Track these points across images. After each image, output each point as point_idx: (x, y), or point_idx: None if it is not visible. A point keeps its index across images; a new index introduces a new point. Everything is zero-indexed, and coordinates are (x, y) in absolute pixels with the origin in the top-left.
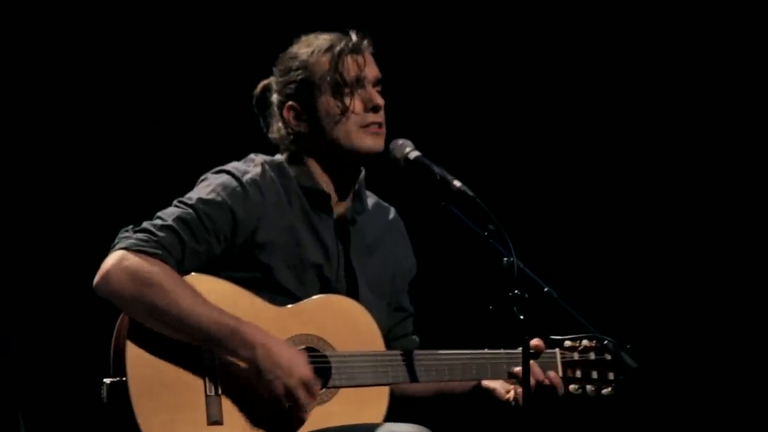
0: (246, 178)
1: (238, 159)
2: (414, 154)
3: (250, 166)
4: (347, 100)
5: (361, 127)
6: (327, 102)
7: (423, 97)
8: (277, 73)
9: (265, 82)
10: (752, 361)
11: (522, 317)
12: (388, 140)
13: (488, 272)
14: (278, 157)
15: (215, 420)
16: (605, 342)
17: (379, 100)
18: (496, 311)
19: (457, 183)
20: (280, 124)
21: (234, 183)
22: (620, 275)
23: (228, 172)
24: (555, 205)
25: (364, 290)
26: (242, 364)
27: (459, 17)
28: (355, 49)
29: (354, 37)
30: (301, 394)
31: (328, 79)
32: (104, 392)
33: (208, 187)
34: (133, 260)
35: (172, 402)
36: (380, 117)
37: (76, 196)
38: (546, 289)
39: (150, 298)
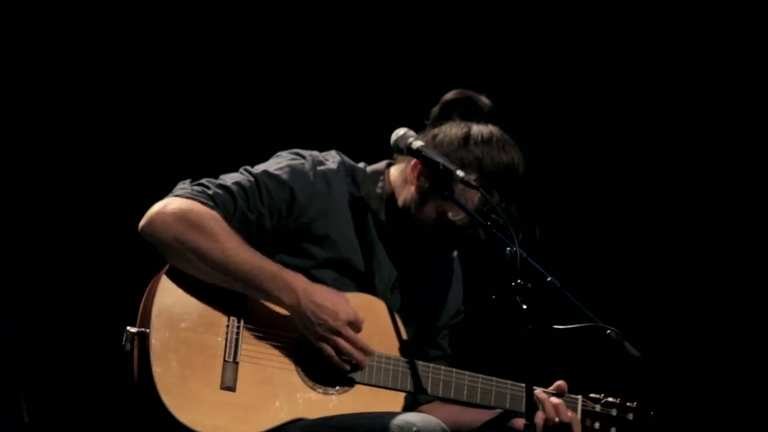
0: (319, 168)
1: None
2: (417, 143)
3: (328, 160)
4: (462, 222)
5: (441, 240)
6: (450, 207)
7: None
8: (448, 141)
9: (446, 103)
10: (756, 360)
11: (525, 307)
12: (390, 131)
13: (491, 262)
14: (362, 164)
15: (228, 386)
16: (608, 331)
17: (476, 240)
18: (499, 301)
19: (460, 173)
20: (403, 163)
21: (305, 168)
22: (623, 265)
23: (303, 157)
24: (559, 196)
25: (404, 315)
26: (284, 310)
27: (463, 15)
28: (517, 197)
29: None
30: (350, 332)
31: (475, 201)
32: (126, 340)
33: (278, 163)
34: (181, 204)
35: (190, 359)
36: (456, 249)
37: (78, 187)
38: (549, 279)
39: (195, 238)
